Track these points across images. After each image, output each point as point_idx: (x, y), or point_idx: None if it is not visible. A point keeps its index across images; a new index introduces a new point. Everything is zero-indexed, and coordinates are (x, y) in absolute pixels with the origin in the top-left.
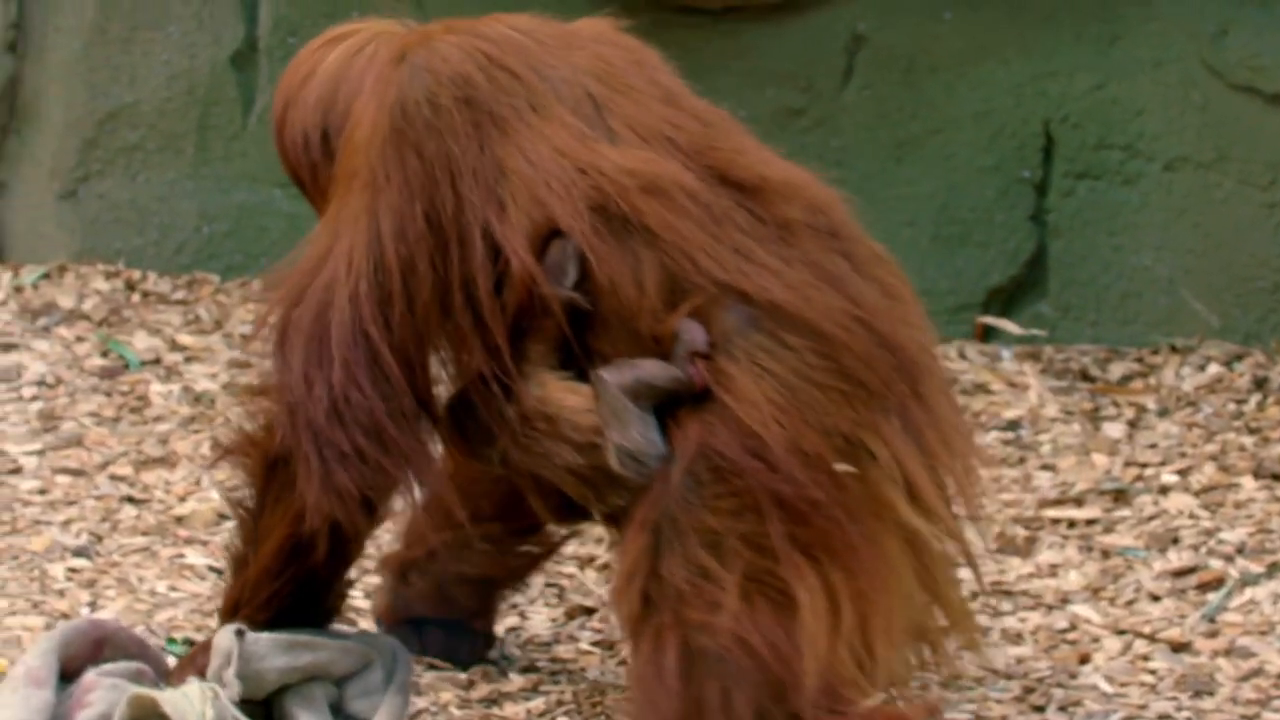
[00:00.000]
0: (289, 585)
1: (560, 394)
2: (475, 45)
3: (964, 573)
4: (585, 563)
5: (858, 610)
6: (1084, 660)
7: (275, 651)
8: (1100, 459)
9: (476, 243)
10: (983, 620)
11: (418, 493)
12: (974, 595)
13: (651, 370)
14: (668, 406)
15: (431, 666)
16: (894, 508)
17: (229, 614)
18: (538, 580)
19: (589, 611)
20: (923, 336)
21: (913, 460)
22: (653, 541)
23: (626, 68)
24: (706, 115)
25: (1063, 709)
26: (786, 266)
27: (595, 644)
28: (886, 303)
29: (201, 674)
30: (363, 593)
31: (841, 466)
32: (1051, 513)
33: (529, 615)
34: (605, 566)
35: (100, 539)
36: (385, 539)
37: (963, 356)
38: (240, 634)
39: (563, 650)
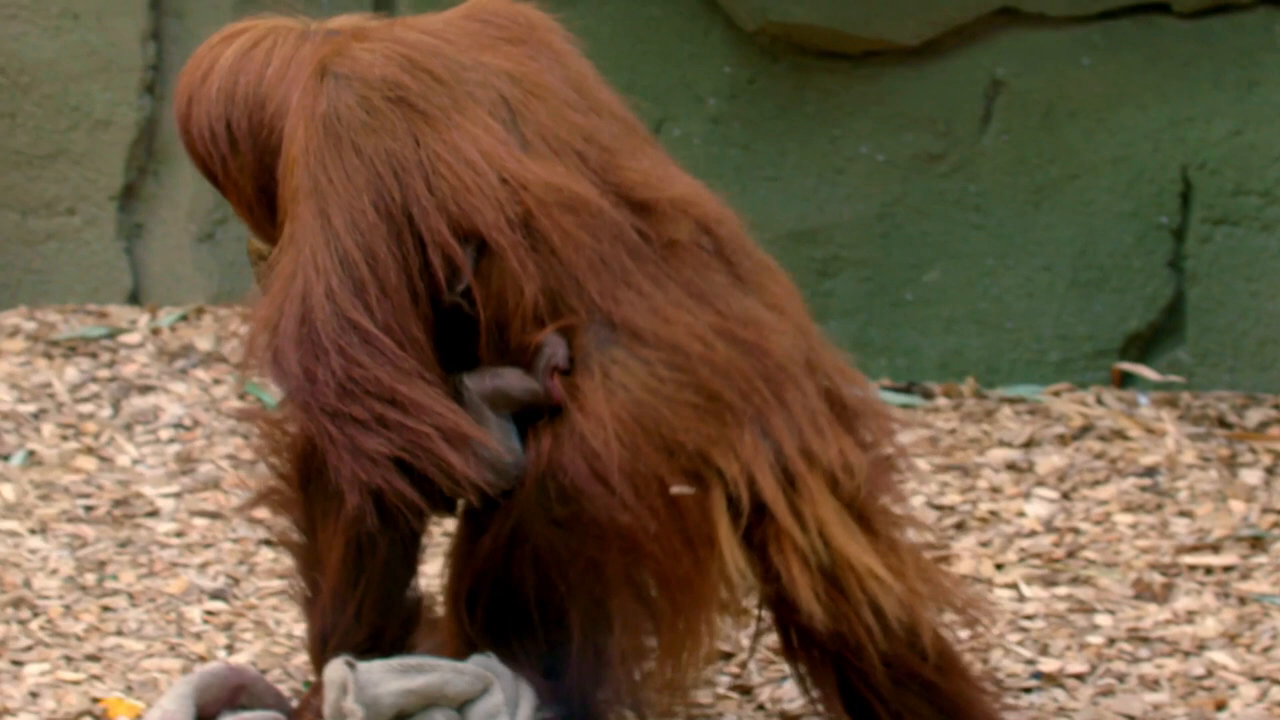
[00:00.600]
0: (367, 594)
1: None
2: (395, 50)
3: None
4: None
5: (672, 644)
6: (1220, 707)
7: (388, 676)
8: (1237, 505)
9: (421, 232)
10: (1119, 666)
11: (450, 452)
12: (1109, 641)
13: (511, 380)
14: (531, 417)
15: None
16: (718, 538)
17: (320, 652)
18: None
19: (726, 656)
20: (797, 341)
21: (764, 471)
22: (504, 546)
23: (538, 64)
24: (613, 122)
25: None
26: (658, 288)
27: (733, 689)
28: (765, 313)
29: (319, 715)
30: None
31: (679, 489)
32: (1188, 559)
33: None
34: (743, 612)
35: (237, 581)
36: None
37: (1100, 402)
38: (350, 665)
39: (701, 695)
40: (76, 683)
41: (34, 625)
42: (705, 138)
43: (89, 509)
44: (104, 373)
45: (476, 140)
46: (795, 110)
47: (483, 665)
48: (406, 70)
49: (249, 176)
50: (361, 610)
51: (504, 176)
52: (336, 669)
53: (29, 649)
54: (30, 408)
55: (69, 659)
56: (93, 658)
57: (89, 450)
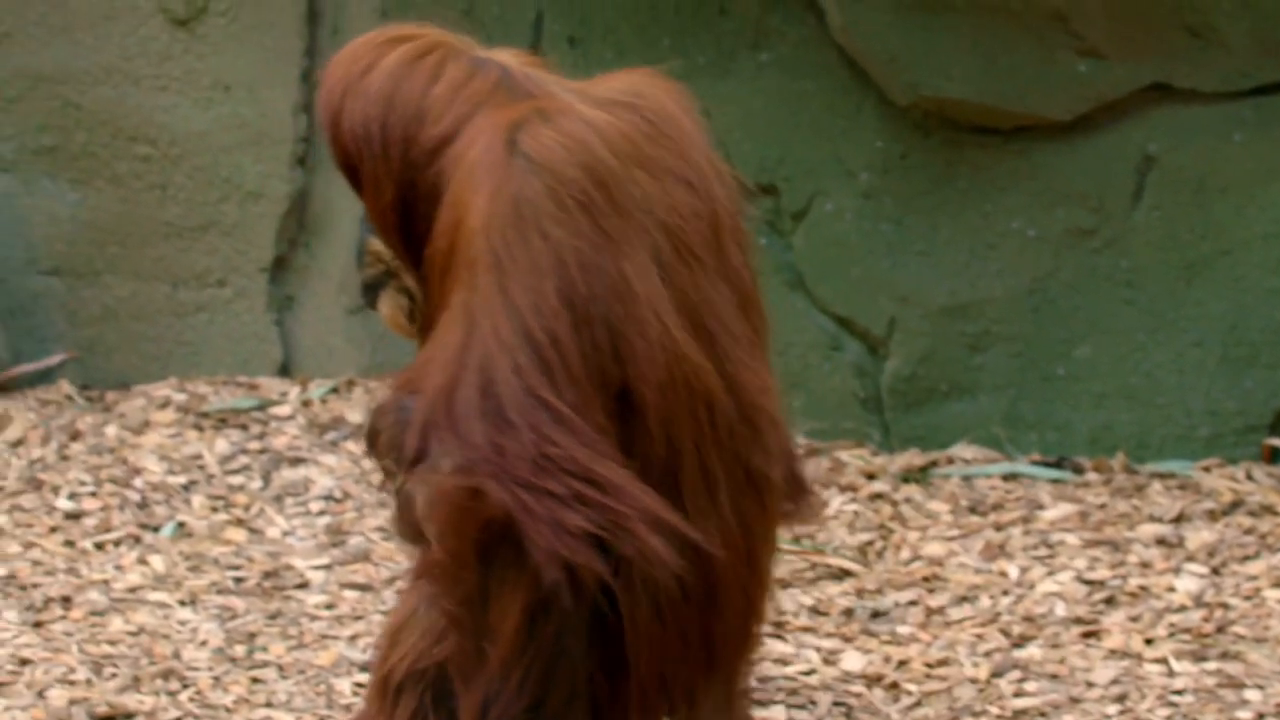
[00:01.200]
0: (534, 664)
1: None
2: (580, 148)
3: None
4: (873, 681)
5: None
6: None
7: None
8: None
9: (603, 332)
10: None
11: (650, 535)
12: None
13: None
14: None
15: None
16: None
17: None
18: (824, 698)
19: None
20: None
21: None
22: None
23: (685, 197)
24: (740, 297)
25: None
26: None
27: None
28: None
29: None
30: None
31: None
32: None
33: None
34: (893, 685)
35: None
36: None
37: (1250, 478)
38: None
39: None
40: None
41: (183, 697)
42: (857, 212)
43: (239, 581)
44: (254, 445)
45: (644, 282)
46: (947, 185)
47: None
48: (591, 177)
49: (391, 183)
50: (526, 680)
51: (662, 334)
52: None
53: None
54: (180, 479)
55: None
56: None
57: (239, 522)
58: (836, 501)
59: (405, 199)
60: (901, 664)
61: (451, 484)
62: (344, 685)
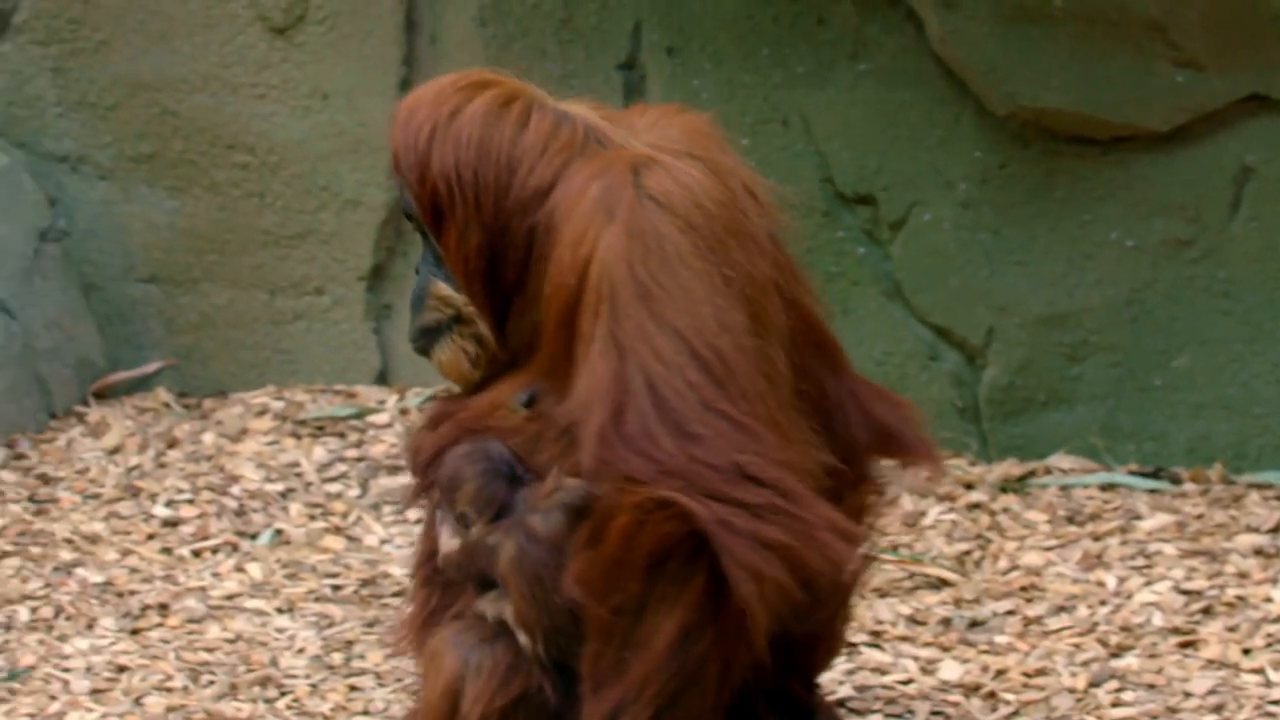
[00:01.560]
0: (672, 680)
1: None
2: (695, 194)
3: None
4: (970, 690)
5: None
6: None
7: None
8: None
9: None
10: None
11: (842, 547)
12: None
13: None
14: None
15: None
16: None
17: None
18: (923, 707)
19: None
20: None
21: None
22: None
23: (759, 270)
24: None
25: None
26: None
27: None
28: None
29: None
30: None
31: None
32: None
33: None
34: (991, 695)
35: None
36: None
37: None
38: None
39: None
40: None
41: (280, 704)
42: (955, 222)
43: (336, 588)
44: (352, 452)
45: (771, 319)
46: (1045, 195)
47: None
48: (709, 225)
49: (481, 229)
50: (660, 695)
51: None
52: None
53: None
54: (278, 487)
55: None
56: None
57: (336, 530)
58: (934, 511)
59: (494, 246)
60: (999, 673)
61: (636, 496)
62: None
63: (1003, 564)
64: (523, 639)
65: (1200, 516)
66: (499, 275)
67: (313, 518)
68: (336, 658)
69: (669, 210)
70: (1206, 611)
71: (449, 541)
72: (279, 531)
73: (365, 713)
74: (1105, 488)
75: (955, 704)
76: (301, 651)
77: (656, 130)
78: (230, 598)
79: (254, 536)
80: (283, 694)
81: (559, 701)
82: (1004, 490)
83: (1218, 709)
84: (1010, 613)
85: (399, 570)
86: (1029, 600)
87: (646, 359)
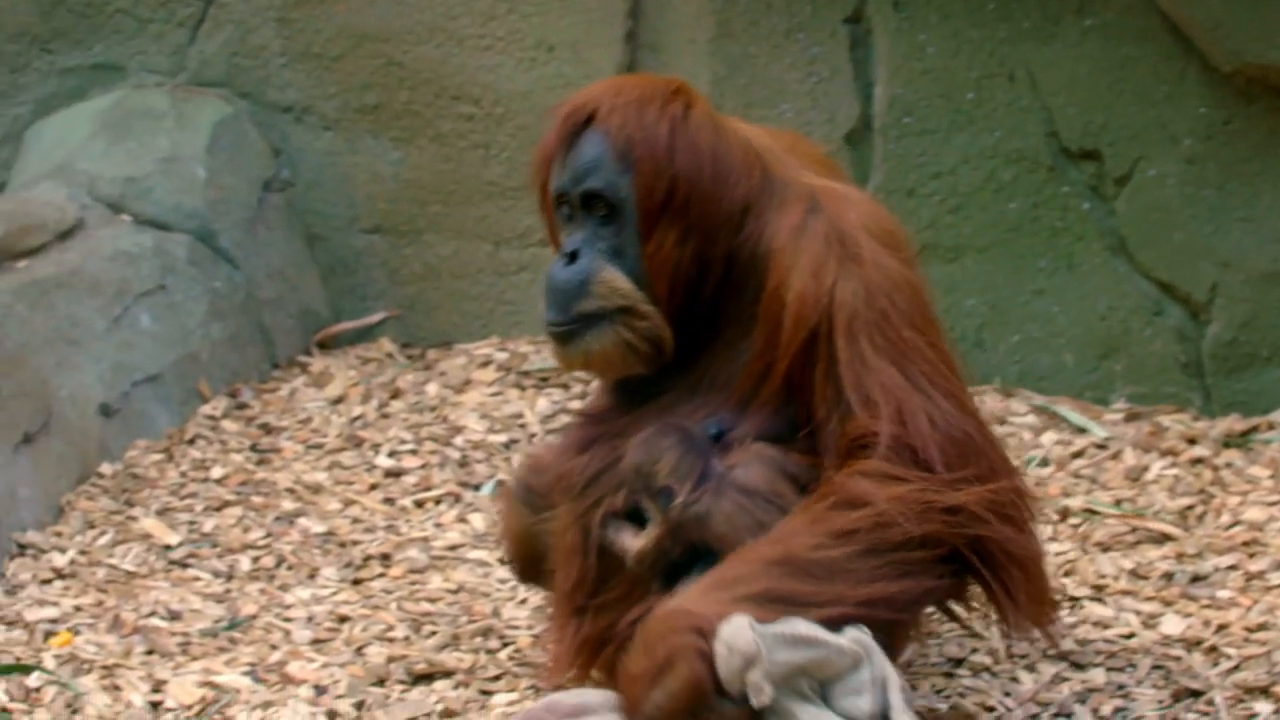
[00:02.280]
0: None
1: None
2: (897, 229)
3: None
4: (1192, 644)
5: None
6: None
7: (779, 647)
8: None
9: None
10: None
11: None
12: None
13: None
14: None
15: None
16: None
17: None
18: (1144, 661)
19: (1195, 694)
20: None
21: None
22: None
23: None
24: None
25: None
26: None
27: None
28: None
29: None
30: None
31: None
32: None
33: (1135, 697)
34: (1212, 649)
35: None
36: None
37: None
38: (757, 634)
39: None
40: None
41: (502, 655)
42: (1180, 178)
43: None
44: (575, 404)
45: None
46: (1270, 152)
47: (856, 641)
48: (913, 265)
49: (698, 238)
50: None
51: None
52: (746, 636)
53: (497, 678)
54: (501, 438)
55: (537, 689)
56: (560, 688)
57: None
58: (1157, 466)
59: (705, 257)
60: (1221, 628)
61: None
62: None
63: (1225, 519)
64: None
65: None
66: (701, 288)
67: None
68: None
69: (890, 248)
70: None
71: (634, 541)
72: (502, 482)
73: None
74: None
75: (1177, 658)
76: (524, 602)
77: (796, 156)
78: (453, 548)
79: (477, 487)
80: (505, 644)
81: None
82: (1227, 445)
83: None
84: (1232, 568)
85: None
86: (1251, 555)
87: (941, 377)
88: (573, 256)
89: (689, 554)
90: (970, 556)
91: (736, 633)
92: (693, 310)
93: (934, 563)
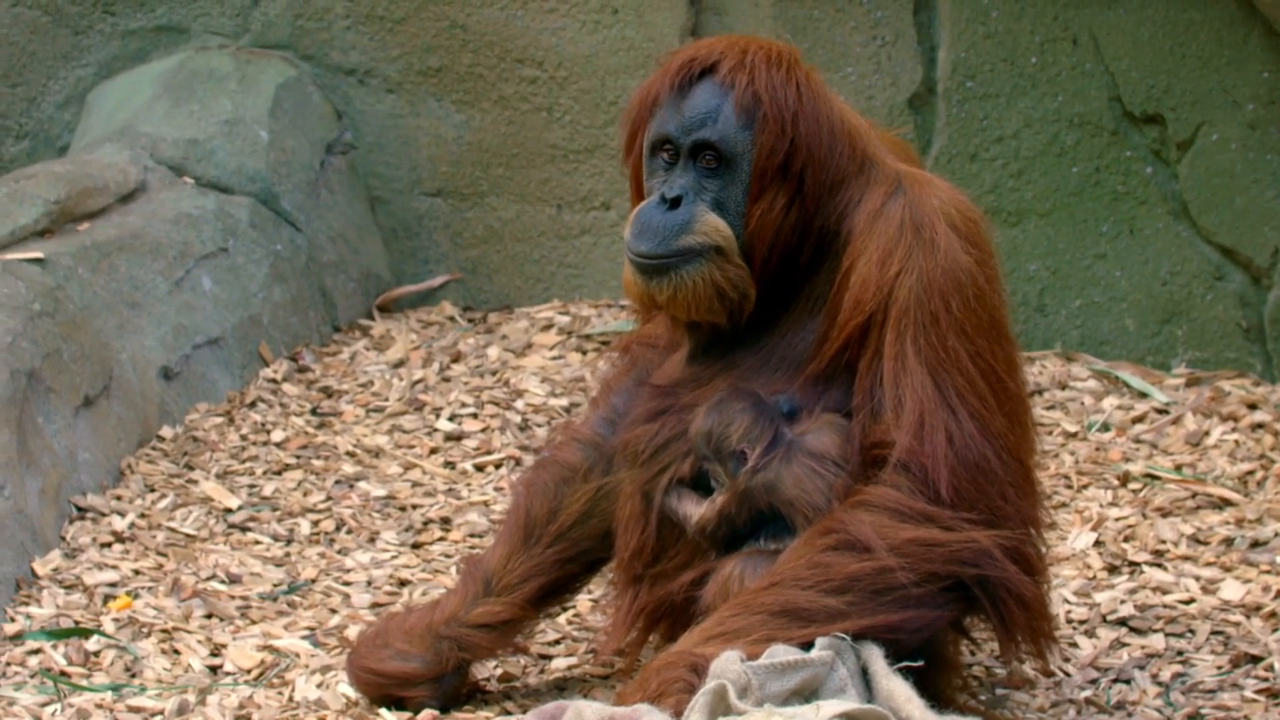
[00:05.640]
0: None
1: None
2: (981, 222)
3: None
4: (1251, 610)
5: None
6: None
7: (770, 678)
8: None
9: None
10: None
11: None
12: None
13: None
14: None
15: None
16: None
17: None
18: (1204, 626)
19: (1254, 659)
20: None
21: None
22: None
23: None
24: None
25: None
26: None
27: (1260, 692)
28: None
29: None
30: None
31: None
32: None
33: (1194, 662)
34: (1272, 615)
35: None
36: None
37: None
38: (746, 666)
39: (1227, 698)
40: (604, 677)
41: (561, 619)
42: (1242, 143)
43: None
44: (589, 375)
45: None
46: None
47: (825, 648)
48: (992, 260)
49: (803, 205)
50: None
51: None
52: (735, 667)
53: (555, 643)
54: (562, 401)
55: (594, 653)
56: (620, 652)
57: None
58: (1217, 431)
59: (806, 226)
60: None
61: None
62: None
63: None
64: None
65: None
66: (796, 257)
67: None
68: None
69: (967, 239)
70: None
71: (697, 508)
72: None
73: None
74: None
75: (1236, 624)
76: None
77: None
78: None
79: (538, 451)
80: (564, 609)
81: None
82: None
83: None
84: None
85: None
86: None
87: (949, 390)
88: (675, 202)
89: (752, 523)
90: (974, 589)
91: (730, 665)
92: (779, 277)
93: (938, 593)
